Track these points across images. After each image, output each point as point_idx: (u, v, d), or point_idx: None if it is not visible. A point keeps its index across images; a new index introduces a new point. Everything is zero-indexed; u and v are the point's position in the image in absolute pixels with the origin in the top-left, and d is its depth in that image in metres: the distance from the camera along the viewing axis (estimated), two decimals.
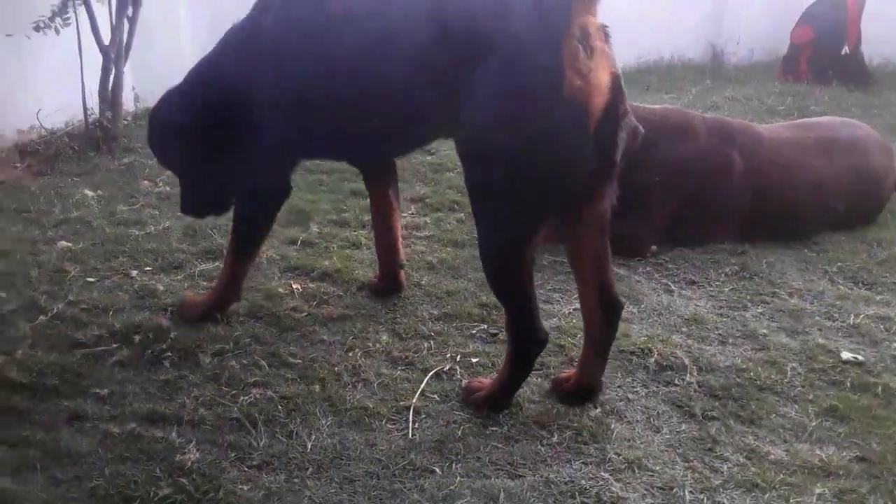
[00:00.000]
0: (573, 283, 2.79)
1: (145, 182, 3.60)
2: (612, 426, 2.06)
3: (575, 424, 2.06)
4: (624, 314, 2.58)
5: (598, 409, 2.14)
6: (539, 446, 1.99)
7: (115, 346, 2.30)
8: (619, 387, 2.24)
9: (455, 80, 1.90)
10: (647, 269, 2.96)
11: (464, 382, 2.21)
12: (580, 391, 2.14)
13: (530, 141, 1.82)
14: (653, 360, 2.36)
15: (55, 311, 2.45)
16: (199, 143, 2.36)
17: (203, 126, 2.33)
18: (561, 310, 2.65)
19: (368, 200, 2.77)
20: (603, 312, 2.08)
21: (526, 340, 2.04)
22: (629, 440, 2.02)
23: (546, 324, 2.51)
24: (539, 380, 2.26)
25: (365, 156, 2.54)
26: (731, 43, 6.65)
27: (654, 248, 3.06)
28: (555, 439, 2.01)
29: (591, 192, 1.98)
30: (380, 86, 2.05)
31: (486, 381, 2.17)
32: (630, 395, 2.21)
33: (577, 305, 2.64)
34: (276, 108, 2.23)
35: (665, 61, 6.48)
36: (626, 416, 2.12)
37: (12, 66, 3.78)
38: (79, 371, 2.18)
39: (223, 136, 2.31)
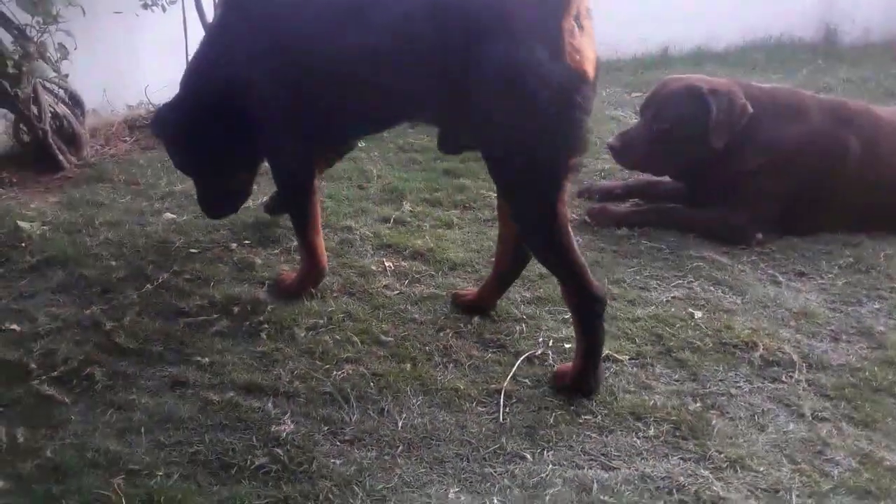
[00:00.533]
0: (671, 269, 2.74)
1: None
2: (714, 422, 1.97)
3: (673, 418, 1.99)
4: (726, 305, 2.50)
5: (699, 403, 2.05)
6: (634, 438, 1.92)
7: (215, 316, 2.37)
8: (720, 381, 2.14)
9: (461, 57, 1.96)
10: (752, 258, 2.82)
11: (555, 368, 2.17)
12: (475, 307, 2.43)
13: (545, 106, 1.91)
14: (758, 354, 2.24)
15: (160, 280, 2.54)
16: (212, 144, 2.51)
17: (211, 126, 2.45)
18: (658, 297, 2.55)
19: (463, 181, 2.73)
20: (515, 260, 2.35)
21: (587, 301, 2.06)
22: (731, 437, 1.93)
23: (642, 311, 2.46)
24: (635, 369, 2.19)
25: (372, 128, 2.68)
26: (846, 21, 6.23)
27: (759, 236, 2.90)
28: (651, 432, 1.94)
29: None
30: (381, 61, 2.10)
31: (564, 367, 2.15)
32: (732, 391, 2.11)
33: (677, 293, 2.57)
34: (283, 90, 2.29)
35: (773, 39, 6.14)
36: (728, 412, 2.02)
37: (122, 44, 3.93)
38: (182, 339, 2.25)
39: (233, 133, 2.43)
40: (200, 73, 2.52)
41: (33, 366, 2.09)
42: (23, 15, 3.22)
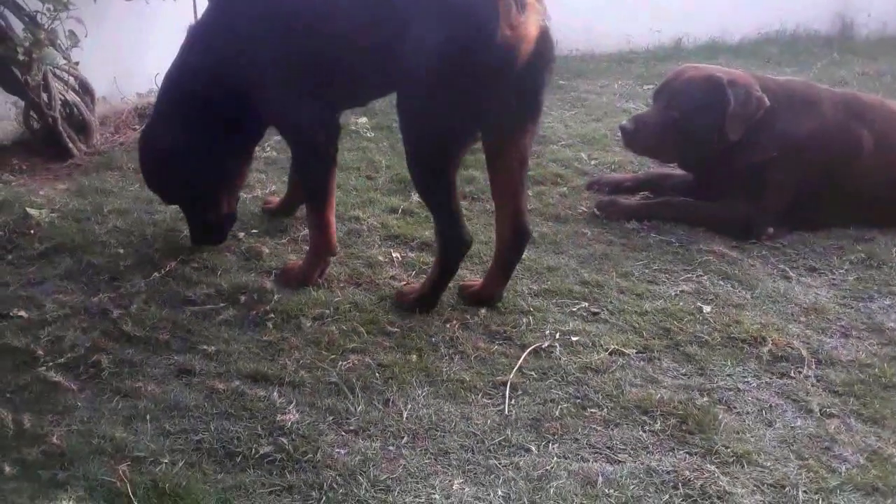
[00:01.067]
0: (680, 263, 2.72)
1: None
2: (720, 416, 1.96)
3: (679, 412, 1.97)
4: (735, 299, 2.48)
5: (706, 398, 2.04)
6: (640, 432, 1.91)
7: (222, 304, 2.37)
8: (728, 375, 2.13)
9: (401, 30, 2.14)
10: (763, 252, 2.80)
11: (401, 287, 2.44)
12: (482, 299, 2.42)
13: (464, 76, 2.11)
14: (766, 349, 2.23)
15: (168, 268, 2.55)
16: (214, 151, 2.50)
17: (213, 130, 2.46)
18: (667, 291, 2.53)
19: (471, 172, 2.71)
20: (514, 236, 2.37)
21: (454, 240, 2.32)
22: (738, 432, 1.92)
23: (650, 305, 2.45)
24: (642, 363, 2.18)
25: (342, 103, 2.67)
26: (862, 14, 6.16)
27: (770, 230, 2.88)
28: (657, 426, 1.93)
29: (513, 127, 2.28)
30: (341, 38, 2.26)
31: (416, 285, 2.45)
32: (740, 385, 2.09)
33: (685, 287, 2.56)
34: (301, 56, 2.31)
35: (788, 33, 6.08)
36: (735, 407, 2.01)
37: (132, 31, 3.92)
38: (188, 327, 2.25)
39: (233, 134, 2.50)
40: (189, 76, 2.49)
41: (40, 352, 2.10)
42: (34, 2, 3.22)
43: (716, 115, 2.87)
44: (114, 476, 1.68)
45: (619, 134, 3.12)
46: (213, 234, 2.64)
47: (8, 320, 2.25)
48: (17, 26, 3.27)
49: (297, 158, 2.62)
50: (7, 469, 1.70)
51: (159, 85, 2.62)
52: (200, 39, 2.49)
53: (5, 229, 2.74)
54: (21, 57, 3.17)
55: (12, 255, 2.62)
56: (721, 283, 2.59)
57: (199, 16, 2.66)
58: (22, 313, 2.28)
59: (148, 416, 1.87)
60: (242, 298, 2.40)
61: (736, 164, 2.92)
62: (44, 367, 2.04)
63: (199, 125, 2.44)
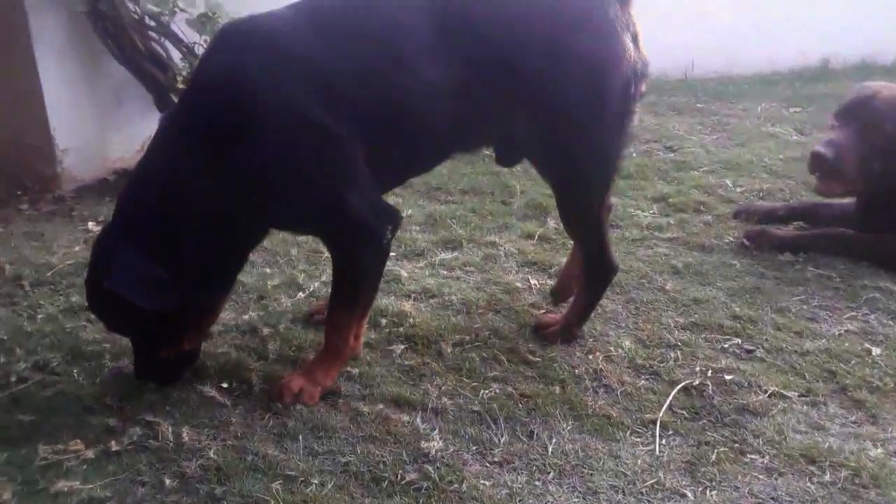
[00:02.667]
0: (841, 299, 2.53)
1: None
2: None
3: (851, 463, 1.81)
4: None
5: (880, 449, 1.86)
6: (808, 483, 1.76)
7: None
8: None
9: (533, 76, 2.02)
10: None
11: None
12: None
13: (623, 108, 2.12)
14: None
15: (311, 288, 2.61)
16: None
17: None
18: (829, 330, 2.35)
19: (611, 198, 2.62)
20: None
21: (603, 268, 2.30)
22: None
23: (811, 344, 2.28)
24: (805, 408, 2.02)
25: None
26: None
27: None
28: (827, 478, 1.77)
29: None
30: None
31: (555, 315, 2.38)
32: None
33: (850, 326, 2.37)
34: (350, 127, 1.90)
35: None
36: None
37: None
38: None
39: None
40: (171, 183, 1.89)
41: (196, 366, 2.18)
42: (191, 33, 3.43)
43: None
44: (267, 494, 1.71)
45: (811, 161, 2.76)
46: (165, 373, 2.06)
47: None
48: (176, 55, 3.50)
49: (351, 258, 2.05)
50: (167, 482, 1.76)
51: None
52: (185, 133, 1.91)
53: None
54: (180, 85, 3.37)
55: None
56: (891, 323, 2.38)
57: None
58: None
59: (298, 436, 1.90)
60: (383, 321, 2.42)
61: None
62: (199, 382, 2.12)
63: (171, 243, 1.88)
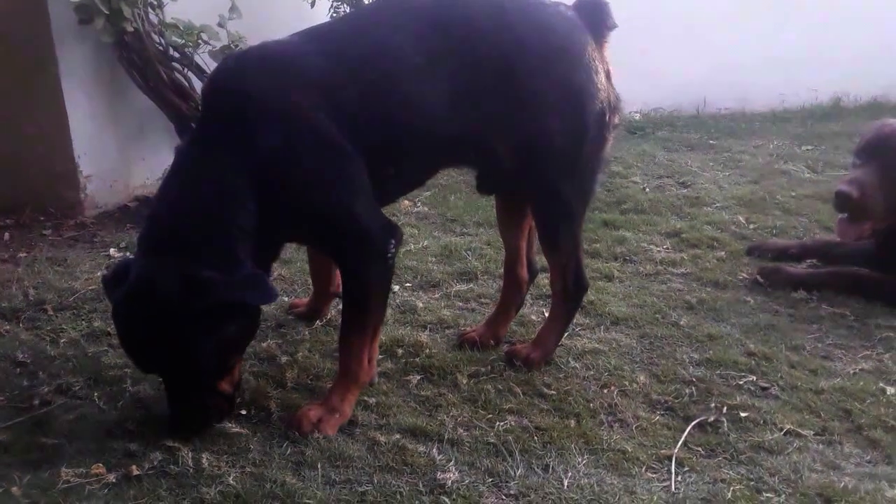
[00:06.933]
0: (857, 338, 2.55)
1: (406, 202, 3.80)
2: None
3: (867, 503, 1.81)
4: None
5: None
6: None
7: (380, 357, 2.41)
8: None
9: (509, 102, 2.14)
10: None
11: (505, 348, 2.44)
12: (483, 343, 2.46)
13: (590, 139, 2.24)
14: None
15: (329, 317, 2.64)
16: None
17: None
18: (844, 368, 2.36)
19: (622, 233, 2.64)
20: (529, 268, 2.54)
21: (581, 289, 2.40)
22: None
23: (826, 383, 2.29)
24: (821, 446, 2.03)
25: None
26: None
27: None
28: None
29: None
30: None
31: (524, 344, 2.44)
32: None
33: (865, 365, 2.38)
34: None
35: None
36: None
37: None
38: None
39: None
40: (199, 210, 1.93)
41: None
42: (213, 63, 3.51)
43: None
44: None
45: (836, 201, 2.78)
46: (210, 417, 2.00)
47: None
48: (198, 86, 3.58)
49: (357, 272, 2.09)
50: None
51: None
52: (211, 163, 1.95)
53: None
54: None
55: None
56: None
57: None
58: None
59: (317, 465, 1.91)
60: (399, 351, 2.44)
61: None
62: None
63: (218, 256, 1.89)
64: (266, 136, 1.93)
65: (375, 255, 2.06)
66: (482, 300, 2.80)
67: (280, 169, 1.95)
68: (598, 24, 2.25)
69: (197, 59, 3.58)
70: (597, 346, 2.50)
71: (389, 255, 2.07)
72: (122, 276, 1.94)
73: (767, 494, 1.86)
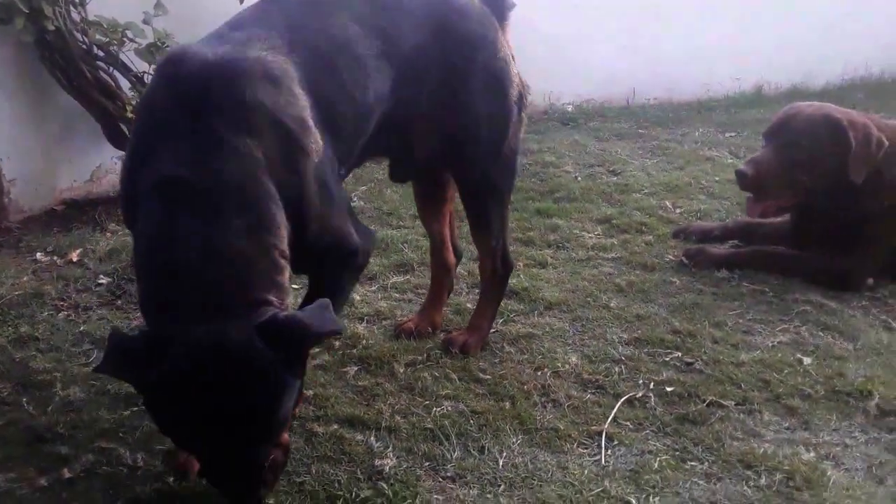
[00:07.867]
0: (775, 313, 2.67)
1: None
2: (829, 473, 1.89)
3: (786, 467, 1.91)
4: (837, 351, 2.42)
5: (812, 453, 1.97)
6: (745, 487, 1.86)
7: (317, 350, 2.43)
8: (834, 430, 2.06)
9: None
10: (863, 303, 2.72)
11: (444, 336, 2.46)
12: (420, 332, 2.51)
13: (514, 123, 2.31)
14: (873, 403, 2.15)
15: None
16: None
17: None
18: (763, 342, 2.48)
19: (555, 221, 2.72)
20: (454, 253, 2.63)
21: (508, 269, 2.50)
22: (847, 489, 1.85)
23: (747, 356, 2.40)
24: (741, 416, 2.13)
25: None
26: None
27: (870, 281, 2.79)
28: (763, 481, 1.88)
29: None
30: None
31: (459, 331, 2.49)
32: (847, 441, 2.02)
33: (783, 338, 2.50)
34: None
35: (874, 77, 5.96)
36: (843, 463, 1.94)
37: None
38: None
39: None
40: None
41: None
42: (140, 63, 3.45)
43: (837, 155, 2.77)
44: None
45: (737, 179, 2.92)
46: (280, 471, 1.75)
47: None
48: (125, 84, 3.51)
49: (333, 277, 2.00)
50: None
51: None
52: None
53: (114, 276, 2.90)
54: (130, 114, 3.38)
55: (121, 300, 2.76)
56: (820, 334, 2.52)
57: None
58: None
59: None
60: (337, 344, 2.46)
61: (846, 211, 2.82)
62: None
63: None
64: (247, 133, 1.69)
65: (350, 260, 1.95)
66: (419, 291, 2.83)
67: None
68: (498, 6, 2.29)
69: (122, 57, 3.51)
70: (531, 330, 2.56)
71: (365, 261, 2.04)
72: (153, 351, 1.54)
73: (692, 463, 1.94)
